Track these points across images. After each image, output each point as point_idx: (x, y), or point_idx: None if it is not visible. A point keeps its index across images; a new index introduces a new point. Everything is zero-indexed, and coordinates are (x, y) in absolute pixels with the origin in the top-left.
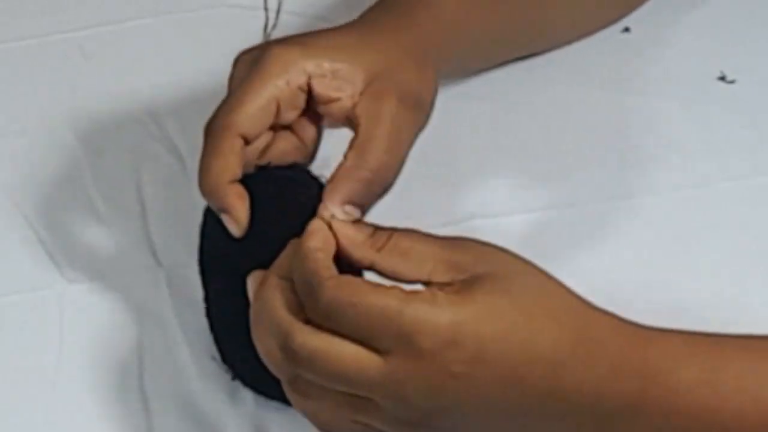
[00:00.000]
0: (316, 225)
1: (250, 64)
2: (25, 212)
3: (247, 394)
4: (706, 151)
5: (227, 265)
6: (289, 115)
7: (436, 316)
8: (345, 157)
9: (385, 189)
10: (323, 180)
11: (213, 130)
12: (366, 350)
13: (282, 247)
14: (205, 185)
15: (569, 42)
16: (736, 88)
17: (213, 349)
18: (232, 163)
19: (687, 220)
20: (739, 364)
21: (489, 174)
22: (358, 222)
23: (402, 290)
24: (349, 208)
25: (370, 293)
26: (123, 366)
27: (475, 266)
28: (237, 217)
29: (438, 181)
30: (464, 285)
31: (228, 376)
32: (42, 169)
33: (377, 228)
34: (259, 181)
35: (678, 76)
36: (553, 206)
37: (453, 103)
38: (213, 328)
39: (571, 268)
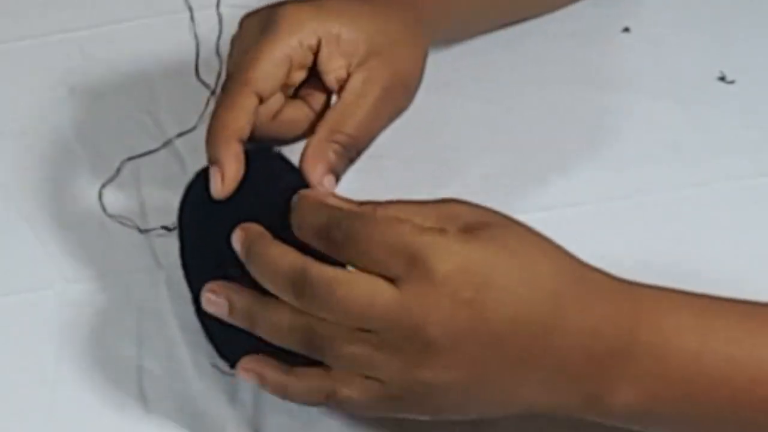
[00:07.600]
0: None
1: (258, 23)
2: (25, 212)
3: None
4: (706, 151)
5: (209, 263)
6: (298, 76)
7: (448, 243)
8: (323, 120)
9: (356, 157)
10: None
11: (230, 86)
12: (380, 279)
13: None
14: (210, 134)
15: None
16: (736, 88)
17: (212, 352)
18: (243, 120)
19: (687, 220)
20: (729, 318)
21: (488, 174)
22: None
23: (414, 223)
24: (328, 179)
25: (386, 222)
26: (123, 366)
27: (466, 215)
28: (226, 174)
29: (438, 181)
30: (466, 228)
31: (228, 377)
32: (42, 169)
33: (361, 202)
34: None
35: (678, 76)
36: (553, 206)
37: (453, 102)
38: (204, 325)
39: None
